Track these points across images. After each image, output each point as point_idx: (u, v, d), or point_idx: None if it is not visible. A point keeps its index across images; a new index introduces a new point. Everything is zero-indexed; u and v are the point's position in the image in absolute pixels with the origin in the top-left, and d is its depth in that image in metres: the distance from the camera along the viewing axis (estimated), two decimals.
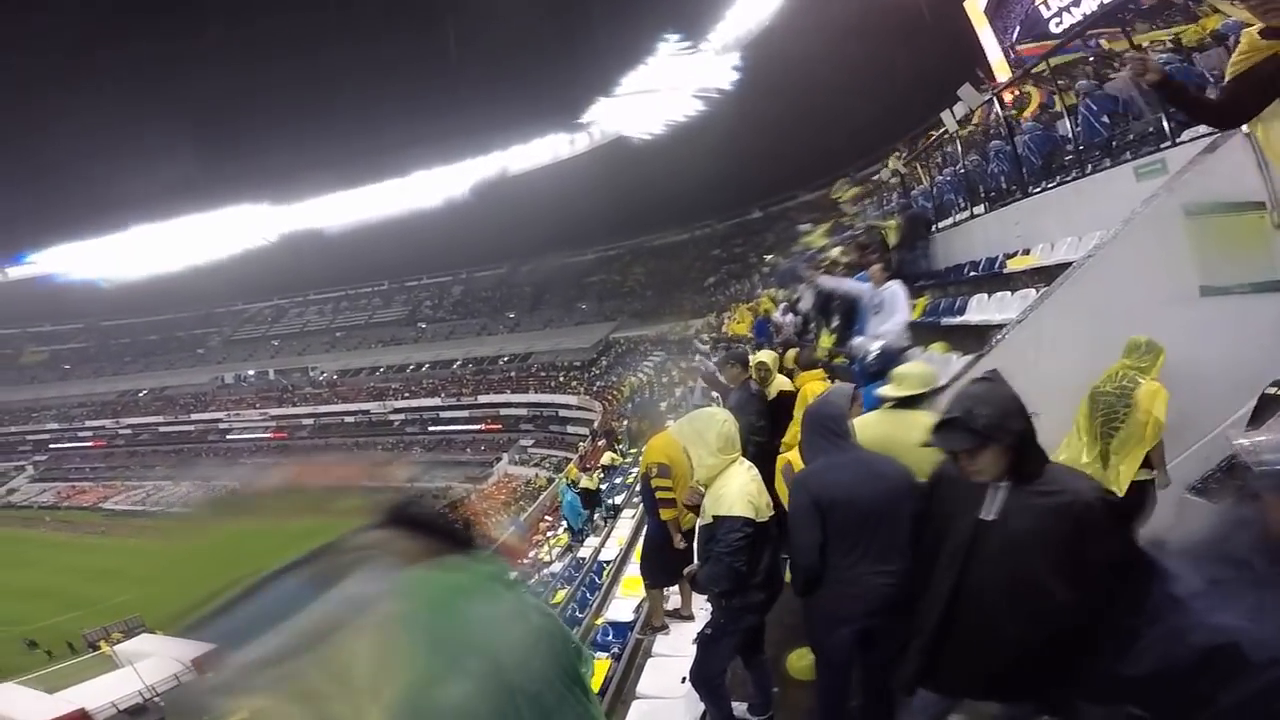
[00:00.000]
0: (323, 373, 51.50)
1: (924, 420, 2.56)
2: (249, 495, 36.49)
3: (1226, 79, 2.25)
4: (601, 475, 13.38)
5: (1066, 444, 3.32)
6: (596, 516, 12.02)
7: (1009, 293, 5.68)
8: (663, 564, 4.09)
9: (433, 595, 1.31)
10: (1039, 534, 1.63)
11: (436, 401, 44.22)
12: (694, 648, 2.97)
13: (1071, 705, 1.62)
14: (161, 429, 50.69)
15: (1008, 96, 7.88)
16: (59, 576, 27.40)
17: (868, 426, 2.70)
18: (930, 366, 2.86)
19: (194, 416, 50.81)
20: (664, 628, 4.25)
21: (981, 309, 5.98)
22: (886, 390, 2.83)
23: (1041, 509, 1.65)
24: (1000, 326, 4.44)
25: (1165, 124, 4.42)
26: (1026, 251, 5.75)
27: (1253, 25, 2.06)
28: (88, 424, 52.56)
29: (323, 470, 35.33)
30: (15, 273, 55.76)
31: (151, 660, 15.33)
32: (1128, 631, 1.32)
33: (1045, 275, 4.89)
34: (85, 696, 13.76)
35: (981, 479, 1.74)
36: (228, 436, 48.69)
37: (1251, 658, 1.06)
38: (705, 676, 2.86)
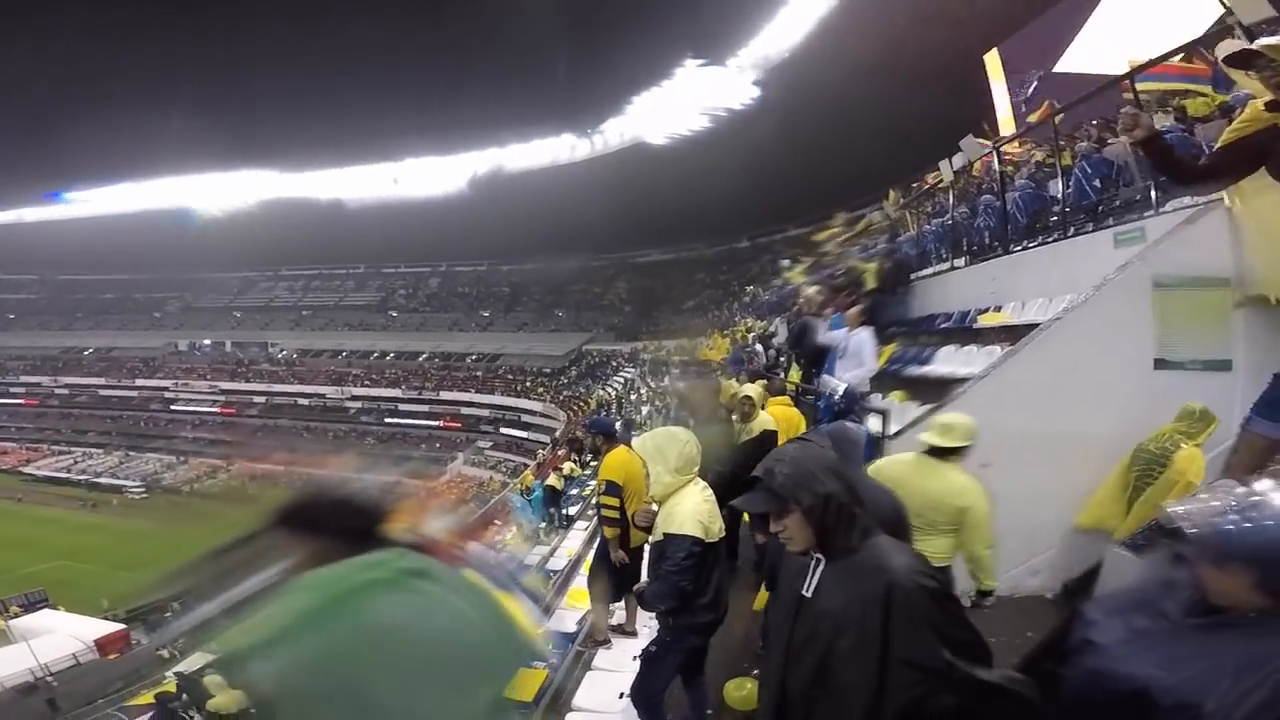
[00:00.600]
0: (282, 350, 49.98)
1: (948, 472, 2.78)
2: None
3: (1218, 145, 2.37)
4: (574, 468, 13.26)
5: (1099, 494, 3.44)
6: (549, 523, 11.86)
7: (976, 347, 5.84)
8: (614, 579, 4.05)
9: (334, 591, 1.20)
10: (845, 618, 1.44)
11: (397, 393, 43.28)
12: (634, 663, 2.96)
13: None
14: (101, 392, 48.35)
15: (1010, 152, 8.05)
16: None
17: (894, 465, 2.95)
18: (972, 421, 2.93)
19: (138, 382, 48.65)
20: (606, 642, 4.19)
21: (948, 361, 6.10)
22: (926, 436, 2.92)
23: (851, 589, 1.46)
24: (964, 380, 4.54)
25: (1152, 192, 4.55)
26: (998, 308, 5.90)
27: (1260, 97, 2.17)
28: (22, 379, 49.94)
29: (260, 455, 34.16)
30: None
31: (50, 638, 14.55)
32: (1049, 674, 1.34)
33: (1013, 334, 5.03)
34: None
35: (793, 549, 1.58)
36: (171, 407, 46.66)
37: (1160, 703, 1.12)
38: (646, 694, 2.84)
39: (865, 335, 5.23)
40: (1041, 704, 1.33)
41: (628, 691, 3.04)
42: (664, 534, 2.68)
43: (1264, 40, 2.09)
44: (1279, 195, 2.28)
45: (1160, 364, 3.64)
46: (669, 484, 2.73)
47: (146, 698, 10.04)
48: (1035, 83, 17.45)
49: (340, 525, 1.31)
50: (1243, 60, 2.13)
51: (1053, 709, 1.31)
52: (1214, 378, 3.30)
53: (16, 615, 17.23)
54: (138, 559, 22.43)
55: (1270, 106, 2.14)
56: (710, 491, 2.83)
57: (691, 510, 2.65)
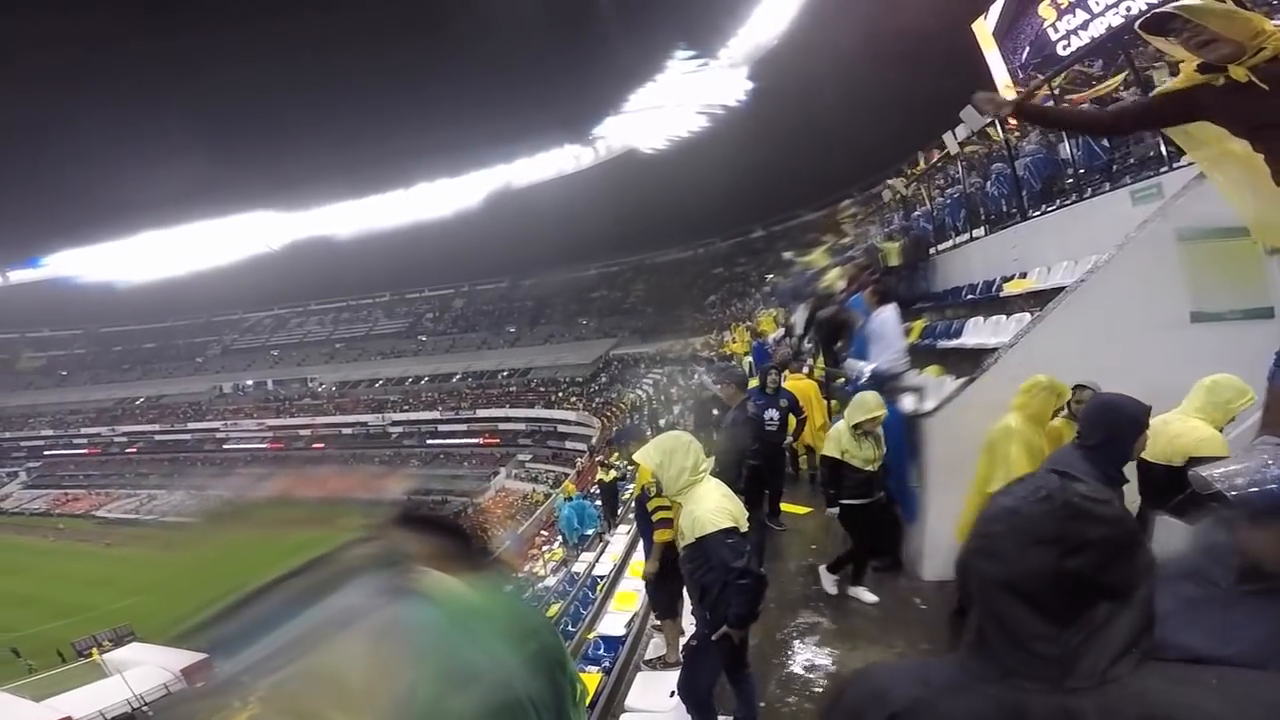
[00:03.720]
0: (321, 384, 51.42)
1: None
2: (245, 506, 36.29)
3: (1153, 95, 2.31)
4: (619, 474, 12.80)
5: None
6: (592, 529, 11.95)
7: (1004, 316, 5.74)
8: (671, 591, 3.87)
9: (455, 607, 1.29)
10: None
11: (435, 415, 44.11)
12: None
13: None
14: (157, 437, 50.46)
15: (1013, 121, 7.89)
16: (49, 584, 27.23)
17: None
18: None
19: (190, 425, 50.62)
20: (677, 664, 3.71)
21: (977, 332, 6.02)
22: None
23: None
24: (995, 350, 4.48)
25: (1163, 149, 4.45)
26: (1023, 275, 5.80)
27: (1190, 60, 2.11)
28: (83, 431, 52.36)
29: (318, 482, 35.18)
30: (15, 276, 55.72)
31: (141, 669, 15.30)
32: None
33: (1040, 299, 4.94)
34: (72, 704, 13.65)
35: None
36: (224, 446, 48.46)
37: None
38: (694, 690, 2.84)
39: (887, 314, 5.13)
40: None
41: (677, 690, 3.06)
42: (696, 538, 2.63)
43: (1178, 2, 1.99)
44: (1241, 155, 2.19)
45: (1197, 317, 3.53)
46: (683, 484, 2.73)
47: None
48: (1027, 48, 17.14)
49: (456, 528, 1.40)
50: (1158, 25, 2.05)
51: None
52: (1249, 327, 3.19)
53: (108, 649, 18.14)
54: (213, 589, 23.36)
55: (1201, 69, 2.06)
56: (725, 486, 2.81)
57: (716, 508, 2.65)
